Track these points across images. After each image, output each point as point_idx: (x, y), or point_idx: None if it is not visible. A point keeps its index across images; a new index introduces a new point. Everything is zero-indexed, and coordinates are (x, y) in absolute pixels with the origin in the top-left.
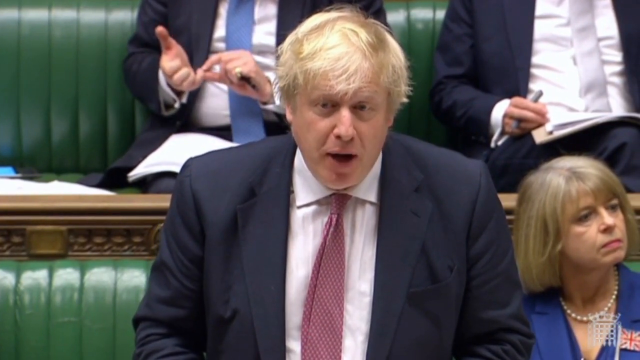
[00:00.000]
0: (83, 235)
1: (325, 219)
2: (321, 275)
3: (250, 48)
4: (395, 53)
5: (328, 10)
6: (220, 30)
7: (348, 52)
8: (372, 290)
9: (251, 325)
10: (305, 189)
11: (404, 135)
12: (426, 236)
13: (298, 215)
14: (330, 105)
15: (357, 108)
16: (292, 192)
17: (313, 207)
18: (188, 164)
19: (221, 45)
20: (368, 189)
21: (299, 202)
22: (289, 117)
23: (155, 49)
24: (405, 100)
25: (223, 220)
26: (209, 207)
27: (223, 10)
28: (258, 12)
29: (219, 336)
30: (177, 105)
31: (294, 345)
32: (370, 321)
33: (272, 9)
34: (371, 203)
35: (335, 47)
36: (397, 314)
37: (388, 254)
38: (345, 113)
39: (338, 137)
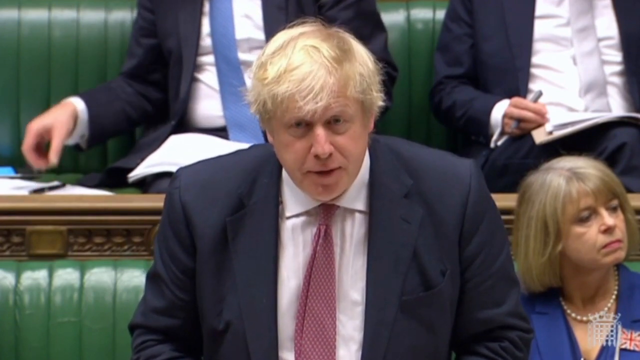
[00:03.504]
0: (83, 235)
1: (315, 230)
2: (312, 286)
3: (236, 42)
4: (362, 61)
5: (291, 27)
6: (206, 28)
7: (312, 71)
8: (364, 300)
9: (244, 337)
10: (294, 199)
11: (393, 138)
12: (417, 242)
13: (287, 226)
14: (304, 124)
15: (331, 123)
16: (281, 202)
17: (302, 218)
18: (177, 175)
19: (209, 42)
20: (356, 198)
21: (287, 213)
22: (269, 139)
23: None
24: (381, 104)
25: (213, 232)
26: (199, 218)
27: (207, 7)
28: (241, 6)
29: (213, 347)
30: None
31: (287, 356)
32: (364, 330)
33: (256, 3)
34: (360, 212)
35: (298, 67)
36: (390, 322)
37: (379, 262)
38: (319, 132)
39: (316, 156)
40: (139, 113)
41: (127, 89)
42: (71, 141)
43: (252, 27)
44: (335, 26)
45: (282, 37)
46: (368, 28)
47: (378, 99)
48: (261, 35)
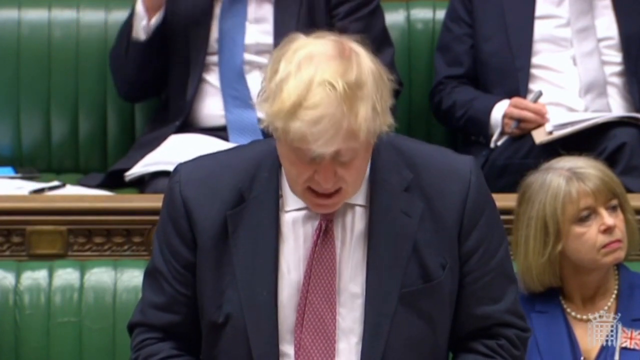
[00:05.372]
0: (83, 235)
1: (315, 223)
2: (312, 280)
3: (244, 48)
4: (376, 86)
5: (308, 35)
6: (215, 31)
7: (327, 115)
8: (364, 292)
9: (244, 330)
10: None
11: (393, 134)
12: (417, 236)
13: (288, 219)
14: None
15: (338, 158)
16: (281, 196)
17: (303, 212)
18: (177, 170)
19: (216, 44)
20: (357, 193)
21: (288, 207)
22: (276, 144)
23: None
24: (391, 121)
25: (214, 226)
26: (200, 213)
27: (218, 10)
28: (254, 11)
29: (213, 341)
30: (144, 23)
31: (288, 349)
32: (364, 323)
33: (268, 9)
34: (361, 206)
35: (314, 108)
36: (390, 314)
37: (379, 255)
38: (325, 168)
39: (319, 183)
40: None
41: None
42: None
43: (261, 33)
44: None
45: (298, 53)
46: (376, 42)
47: (387, 121)
48: (270, 40)
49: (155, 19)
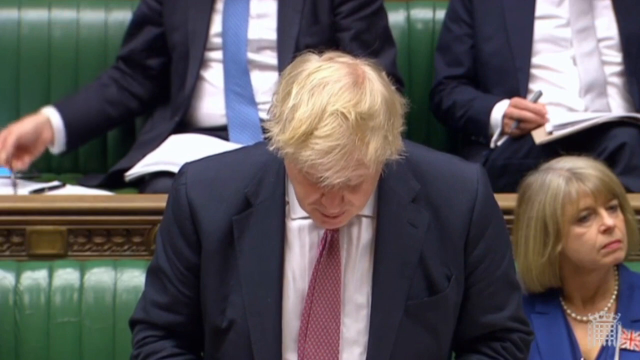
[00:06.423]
0: (83, 235)
1: (321, 232)
2: (317, 290)
3: (247, 43)
4: (388, 114)
5: (321, 52)
6: (216, 26)
7: (338, 146)
8: (370, 303)
9: (248, 336)
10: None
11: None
12: (424, 247)
13: (294, 227)
14: None
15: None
16: (287, 203)
17: (309, 220)
18: (183, 171)
19: (218, 40)
20: None
21: (294, 215)
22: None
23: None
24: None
25: (219, 230)
26: (205, 216)
27: (219, 5)
28: (257, 7)
29: (216, 344)
30: (53, 150)
31: (291, 357)
32: (369, 334)
33: (271, 5)
34: (367, 216)
35: (325, 137)
36: (395, 326)
37: (385, 266)
38: (333, 191)
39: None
40: (120, 111)
41: (111, 88)
42: (56, 150)
43: (265, 28)
44: (359, 53)
45: (311, 78)
46: (379, 42)
47: (398, 147)
48: (273, 36)
49: (56, 149)
